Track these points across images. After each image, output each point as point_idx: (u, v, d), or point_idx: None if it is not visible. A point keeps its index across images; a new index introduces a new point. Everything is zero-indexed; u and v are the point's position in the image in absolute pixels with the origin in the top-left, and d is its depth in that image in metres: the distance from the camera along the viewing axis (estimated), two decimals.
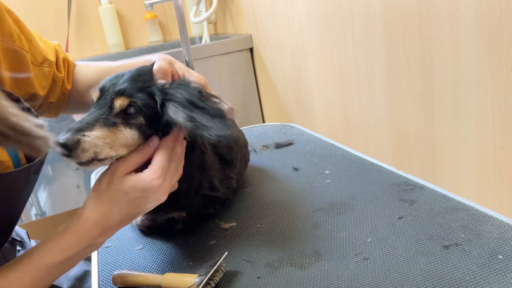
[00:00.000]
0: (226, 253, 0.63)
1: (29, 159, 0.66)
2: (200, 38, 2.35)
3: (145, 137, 0.64)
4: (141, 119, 0.63)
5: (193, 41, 2.39)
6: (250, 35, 1.93)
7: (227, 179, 0.82)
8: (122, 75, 0.66)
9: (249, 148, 1.04)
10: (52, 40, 0.87)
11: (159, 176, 0.61)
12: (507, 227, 0.63)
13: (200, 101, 0.63)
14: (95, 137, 0.59)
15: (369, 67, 1.19)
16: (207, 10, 2.16)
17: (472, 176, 0.95)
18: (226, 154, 0.83)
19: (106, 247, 0.76)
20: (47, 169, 1.80)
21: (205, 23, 2.22)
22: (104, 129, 0.60)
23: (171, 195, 0.67)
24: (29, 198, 2.00)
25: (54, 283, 0.70)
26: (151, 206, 0.63)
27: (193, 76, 0.70)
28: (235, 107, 0.91)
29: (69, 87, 0.85)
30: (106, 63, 0.88)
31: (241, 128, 1.03)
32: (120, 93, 0.63)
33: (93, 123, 0.60)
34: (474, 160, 0.94)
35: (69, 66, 0.86)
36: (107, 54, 2.29)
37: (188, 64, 1.49)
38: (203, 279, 0.57)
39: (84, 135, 0.59)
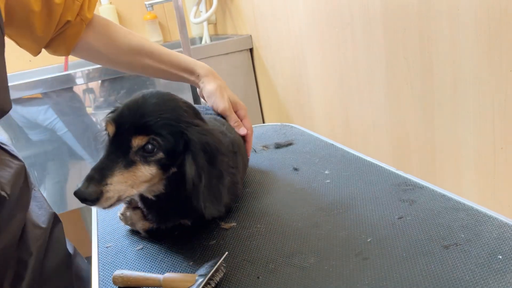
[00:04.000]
0: (226, 253, 0.63)
1: None
2: (200, 39, 2.35)
3: (165, 169, 0.64)
4: (160, 155, 0.62)
5: (193, 41, 2.39)
6: (250, 36, 1.93)
7: (234, 186, 0.81)
8: (144, 102, 0.63)
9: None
10: None
11: None
12: (506, 227, 0.64)
13: (211, 168, 0.64)
14: (117, 183, 0.59)
15: (369, 67, 1.19)
16: (207, 11, 2.16)
17: (471, 176, 0.95)
18: (232, 160, 0.81)
19: (106, 247, 0.76)
20: (47, 168, 1.80)
21: (205, 23, 2.22)
22: (124, 172, 0.60)
23: (181, 205, 0.68)
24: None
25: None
26: None
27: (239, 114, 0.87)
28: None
29: (89, 16, 0.87)
30: (139, 39, 0.91)
31: None
32: (139, 132, 0.61)
33: (112, 166, 0.60)
34: (473, 160, 0.94)
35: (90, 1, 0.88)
36: None
37: None
38: (203, 279, 0.57)
39: (106, 185, 0.59)
